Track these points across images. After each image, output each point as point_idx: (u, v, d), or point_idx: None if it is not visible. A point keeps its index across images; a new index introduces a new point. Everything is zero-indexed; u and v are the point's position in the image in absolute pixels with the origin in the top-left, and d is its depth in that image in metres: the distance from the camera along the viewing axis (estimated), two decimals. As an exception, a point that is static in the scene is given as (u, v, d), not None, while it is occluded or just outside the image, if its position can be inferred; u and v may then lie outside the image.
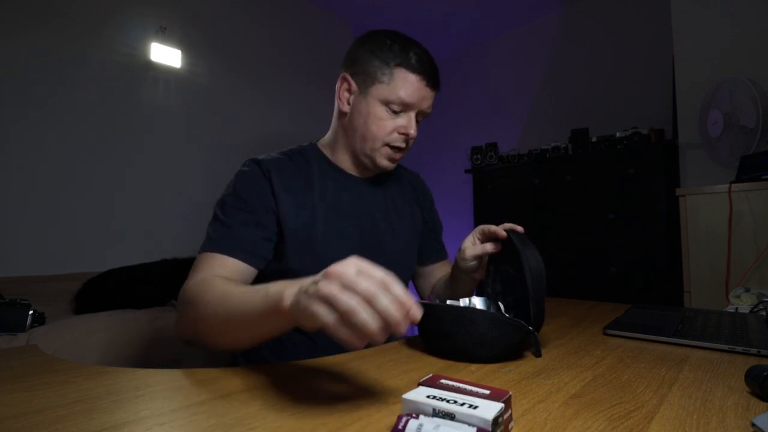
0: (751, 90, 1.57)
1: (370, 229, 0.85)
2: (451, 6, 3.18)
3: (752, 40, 1.73)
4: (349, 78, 0.80)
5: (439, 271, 0.98)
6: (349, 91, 0.81)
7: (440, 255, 1.01)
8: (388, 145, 0.80)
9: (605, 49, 2.97)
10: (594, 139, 2.52)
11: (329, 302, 0.36)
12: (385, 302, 0.36)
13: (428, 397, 0.36)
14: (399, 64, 0.77)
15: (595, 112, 2.96)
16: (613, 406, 0.41)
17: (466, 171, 3.20)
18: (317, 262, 0.78)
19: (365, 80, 0.79)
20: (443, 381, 0.39)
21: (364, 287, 0.36)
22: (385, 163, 0.82)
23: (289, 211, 0.77)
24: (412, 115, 0.79)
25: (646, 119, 2.62)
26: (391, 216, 0.89)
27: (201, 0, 2.62)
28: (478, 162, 3.11)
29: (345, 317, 0.36)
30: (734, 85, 1.64)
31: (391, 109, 0.78)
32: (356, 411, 0.40)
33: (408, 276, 0.95)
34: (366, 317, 0.35)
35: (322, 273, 0.38)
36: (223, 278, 0.64)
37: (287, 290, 0.42)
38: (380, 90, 0.77)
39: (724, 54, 1.80)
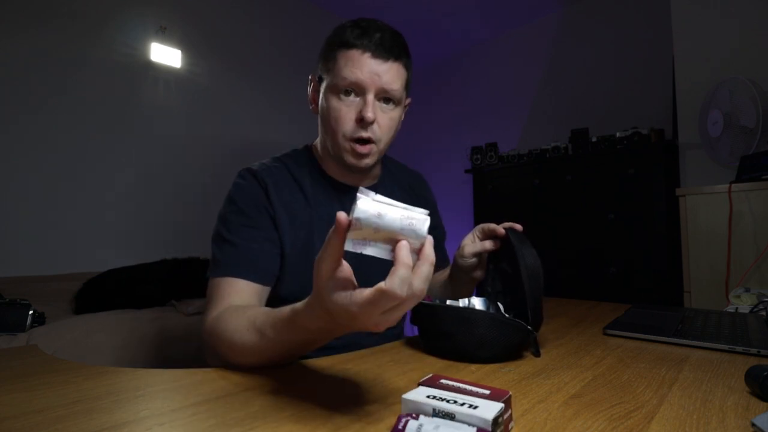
0: (751, 90, 1.57)
1: None
2: (451, 6, 3.18)
3: (752, 40, 1.73)
4: (315, 78, 0.78)
5: (438, 278, 0.94)
6: (316, 90, 0.77)
7: (441, 263, 0.94)
8: (350, 140, 0.72)
9: (605, 49, 2.97)
10: (594, 139, 2.52)
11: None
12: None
13: (428, 397, 0.36)
14: (339, 46, 0.70)
15: (595, 112, 2.96)
16: (613, 406, 0.41)
17: (466, 171, 3.20)
18: (311, 281, 0.75)
19: (321, 77, 0.75)
20: (443, 381, 0.39)
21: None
22: (352, 160, 0.73)
23: (286, 227, 0.73)
24: (369, 97, 0.69)
25: (646, 119, 2.62)
26: None
27: (201, 0, 2.62)
28: (478, 162, 3.11)
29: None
30: (734, 85, 1.64)
31: (344, 95, 0.70)
32: (356, 411, 0.40)
33: None
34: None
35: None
36: (244, 313, 0.58)
37: (333, 327, 0.44)
38: (330, 79, 0.72)
39: (724, 54, 1.80)
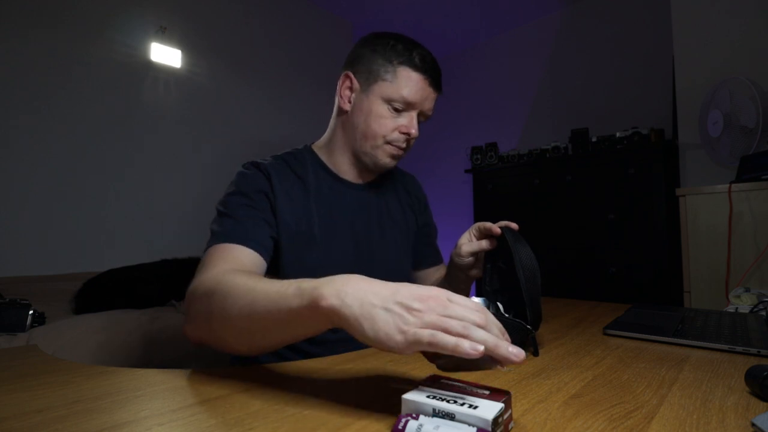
0: (751, 90, 1.57)
1: (365, 239, 0.84)
2: (452, 6, 3.18)
3: (752, 40, 1.73)
4: (352, 76, 0.80)
5: (434, 275, 0.97)
6: (351, 89, 0.80)
7: (434, 259, 0.99)
8: (390, 143, 0.79)
9: (605, 49, 2.97)
10: (594, 139, 2.52)
11: (436, 327, 0.36)
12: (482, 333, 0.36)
13: (428, 397, 0.36)
14: (402, 62, 0.76)
15: (595, 112, 2.96)
16: (613, 406, 0.41)
17: (466, 171, 3.20)
18: (311, 273, 0.76)
19: (368, 78, 0.78)
20: (444, 381, 0.39)
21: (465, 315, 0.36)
22: (386, 160, 0.80)
23: (285, 218, 0.75)
24: (414, 114, 0.78)
25: (646, 119, 2.62)
26: (384, 224, 0.87)
27: (201, 0, 2.62)
28: (478, 162, 3.11)
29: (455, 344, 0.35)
30: (734, 85, 1.64)
31: (393, 107, 0.77)
32: (356, 411, 0.40)
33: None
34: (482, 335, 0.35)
35: (397, 294, 0.38)
36: (242, 271, 0.58)
37: (325, 288, 0.40)
38: (383, 88, 0.76)
39: (724, 54, 1.80)
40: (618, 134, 2.41)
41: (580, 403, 0.42)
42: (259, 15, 2.91)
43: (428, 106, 0.79)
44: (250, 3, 2.87)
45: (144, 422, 0.38)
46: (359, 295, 0.38)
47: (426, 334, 0.35)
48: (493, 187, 2.98)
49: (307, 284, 0.42)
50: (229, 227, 0.68)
